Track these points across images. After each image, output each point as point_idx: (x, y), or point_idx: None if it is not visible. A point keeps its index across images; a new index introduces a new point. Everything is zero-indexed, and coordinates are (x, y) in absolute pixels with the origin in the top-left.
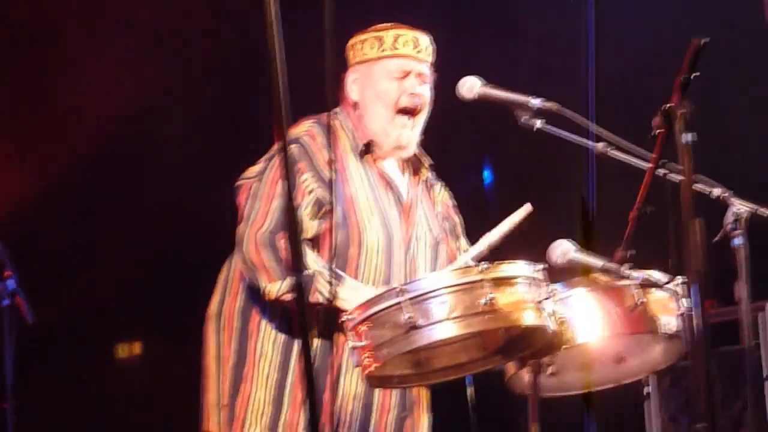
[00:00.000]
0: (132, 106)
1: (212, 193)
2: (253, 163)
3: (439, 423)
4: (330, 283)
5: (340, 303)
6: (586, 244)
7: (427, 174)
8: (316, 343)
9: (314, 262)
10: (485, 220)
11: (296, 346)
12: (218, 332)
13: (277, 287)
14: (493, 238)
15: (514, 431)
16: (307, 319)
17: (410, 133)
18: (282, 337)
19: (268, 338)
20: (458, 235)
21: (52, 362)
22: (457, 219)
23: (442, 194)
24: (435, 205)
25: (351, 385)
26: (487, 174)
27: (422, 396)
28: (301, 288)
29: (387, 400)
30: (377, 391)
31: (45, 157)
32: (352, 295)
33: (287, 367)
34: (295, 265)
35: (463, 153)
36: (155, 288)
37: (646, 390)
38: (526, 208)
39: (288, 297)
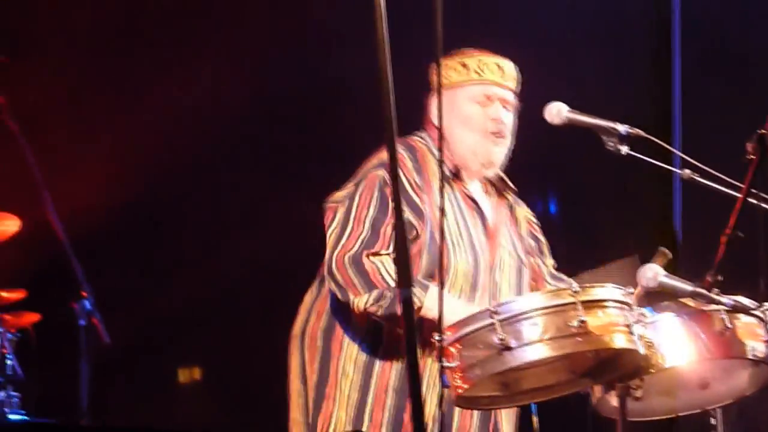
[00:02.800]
0: (209, 128)
1: (282, 220)
2: (331, 187)
3: None
4: (415, 294)
5: (425, 312)
6: (674, 269)
7: (511, 196)
8: (396, 365)
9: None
10: (551, 249)
11: (377, 366)
12: (302, 352)
13: (365, 300)
14: None
15: None
16: (410, 332)
17: (498, 150)
18: (363, 357)
19: (349, 358)
20: (544, 253)
21: (116, 384)
22: (542, 238)
23: (525, 213)
24: (519, 225)
25: (430, 406)
26: (552, 203)
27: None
28: (409, 302)
29: (466, 421)
30: (456, 415)
31: (115, 180)
32: (434, 305)
33: (368, 387)
34: (404, 282)
35: (529, 181)
36: (216, 313)
37: (712, 420)
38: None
39: (374, 309)
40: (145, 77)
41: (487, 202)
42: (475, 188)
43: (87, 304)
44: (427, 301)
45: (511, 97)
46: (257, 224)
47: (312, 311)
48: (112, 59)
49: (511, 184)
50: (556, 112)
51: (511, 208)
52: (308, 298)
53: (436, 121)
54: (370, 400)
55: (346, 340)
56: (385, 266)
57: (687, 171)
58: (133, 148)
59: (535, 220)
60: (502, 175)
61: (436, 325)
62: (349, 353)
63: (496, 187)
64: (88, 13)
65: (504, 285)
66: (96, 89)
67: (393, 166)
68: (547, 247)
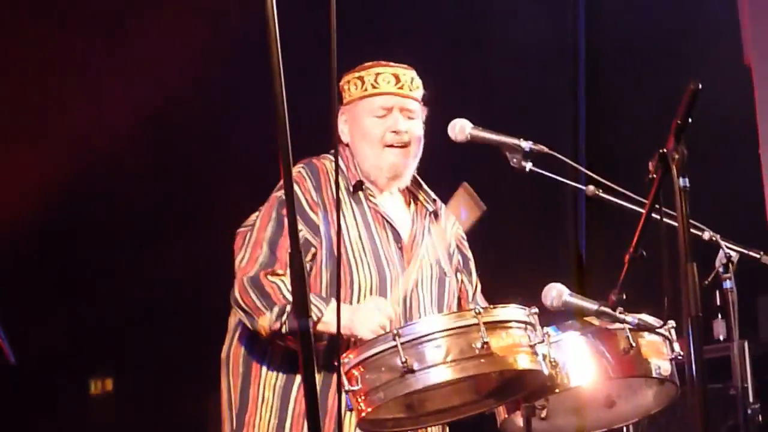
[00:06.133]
0: (119, 149)
1: (193, 239)
2: (241, 211)
3: None
4: (316, 306)
5: (322, 326)
6: (578, 287)
7: (432, 206)
8: (299, 384)
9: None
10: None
11: (294, 391)
12: (227, 377)
13: (267, 319)
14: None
15: None
16: (308, 361)
17: (403, 161)
18: (280, 382)
19: (268, 383)
20: (470, 271)
21: (26, 396)
22: (469, 254)
23: (455, 228)
24: (447, 237)
25: (330, 427)
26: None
27: None
28: (306, 332)
29: None
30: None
31: (25, 191)
32: (334, 318)
33: (285, 411)
34: (301, 311)
35: (438, 190)
36: (129, 325)
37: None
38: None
39: (277, 326)
40: (60, 80)
41: (405, 215)
42: (388, 202)
43: None
44: (327, 314)
45: (413, 105)
46: (173, 241)
47: (234, 336)
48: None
49: (431, 193)
50: (459, 129)
51: (437, 218)
52: (232, 321)
53: (343, 139)
54: (287, 425)
55: (264, 364)
56: (285, 285)
57: (591, 187)
58: (41, 161)
59: (462, 234)
60: (422, 183)
61: (339, 348)
62: (267, 378)
63: (415, 197)
64: None
65: (424, 296)
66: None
67: (289, 198)
68: (473, 263)
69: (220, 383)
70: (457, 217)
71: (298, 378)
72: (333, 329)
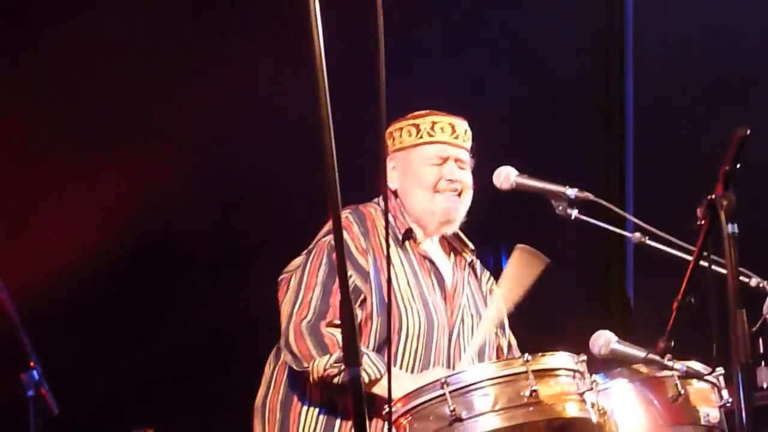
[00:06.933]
0: (161, 203)
1: (232, 287)
2: (283, 257)
3: None
4: (375, 365)
5: (378, 389)
6: (626, 334)
7: (472, 257)
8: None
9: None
10: None
11: None
12: (263, 424)
13: (325, 361)
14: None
15: None
16: (359, 408)
17: (455, 206)
18: (321, 428)
19: (308, 429)
20: (504, 326)
21: None
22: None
23: (490, 283)
24: (485, 290)
25: None
26: (504, 258)
27: None
28: (358, 380)
29: None
30: None
31: (63, 247)
32: (391, 384)
33: None
34: (351, 360)
35: (481, 236)
36: (168, 374)
37: None
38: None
39: (334, 371)
40: (104, 143)
41: (447, 263)
42: (433, 249)
43: (35, 374)
44: (384, 380)
45: (465, 155)
46: (211, 292)
47: (271, 383)
48: (62, 128)
49: (470, 244)
50: (504, 177)
51: (474, 270)
52: (267, 369)
53: (391, 186)
54: None
55: (303, 412)
56: None
57: (637, 234)
58: (84, 215)
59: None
60: (461, 234)
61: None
62: (308, 424)
63: (455, 247)
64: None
65: (464, 344)
66: (41, 154)
67: (339, 247)
68: (506, 319)
69: (252, 431)
70: (520, 281)
71: (338, 424)
72: (385, 394)
